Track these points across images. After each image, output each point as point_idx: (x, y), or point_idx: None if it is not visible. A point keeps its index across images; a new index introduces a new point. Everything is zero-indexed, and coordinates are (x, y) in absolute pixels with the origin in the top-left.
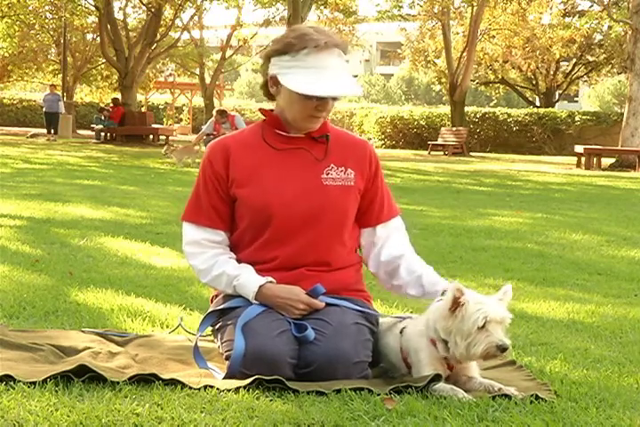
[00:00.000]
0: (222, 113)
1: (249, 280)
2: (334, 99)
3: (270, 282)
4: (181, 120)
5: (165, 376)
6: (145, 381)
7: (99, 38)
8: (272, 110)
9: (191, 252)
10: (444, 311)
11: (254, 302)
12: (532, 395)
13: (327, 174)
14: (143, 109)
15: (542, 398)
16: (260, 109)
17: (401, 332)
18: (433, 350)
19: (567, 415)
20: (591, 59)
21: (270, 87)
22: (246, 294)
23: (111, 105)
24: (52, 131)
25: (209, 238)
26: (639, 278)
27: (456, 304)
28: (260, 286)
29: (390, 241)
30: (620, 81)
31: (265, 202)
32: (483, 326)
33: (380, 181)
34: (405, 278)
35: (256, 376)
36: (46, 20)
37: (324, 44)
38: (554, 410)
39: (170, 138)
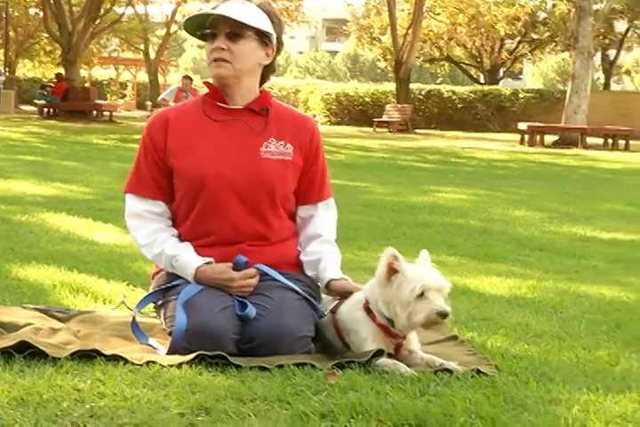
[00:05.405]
0: (189, 78)
1: (186, 262)
2: (231, 39)
3: (207, 263)
4: (125, 96)
5: (107, 352)
6: (87, 357)
7: (42, 13)
8: None
9: (132, 225)
10: (381, 279)
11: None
12: (473, 369)
13: (266, 147)
14: (87, 85)
15: (483, 373)
16: (204, 82)
17: (333, 311)
18: (376, 329)
19: (508, 389)
20: (535, 36)
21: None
22: (185, 276)
23: (54, 80)
24: None
25: (149, 210)
26: (580, 254)
27: (391, 271)
28: (197, 269)
29: (320, 219)
30: (563, 59)
31: (198, 172)
32: (422, 295)
33: (322, 159)
34: (307, 257)
35: (199, 352)
36: None
37: None
38: (495, 384)
39: (114, 114)
